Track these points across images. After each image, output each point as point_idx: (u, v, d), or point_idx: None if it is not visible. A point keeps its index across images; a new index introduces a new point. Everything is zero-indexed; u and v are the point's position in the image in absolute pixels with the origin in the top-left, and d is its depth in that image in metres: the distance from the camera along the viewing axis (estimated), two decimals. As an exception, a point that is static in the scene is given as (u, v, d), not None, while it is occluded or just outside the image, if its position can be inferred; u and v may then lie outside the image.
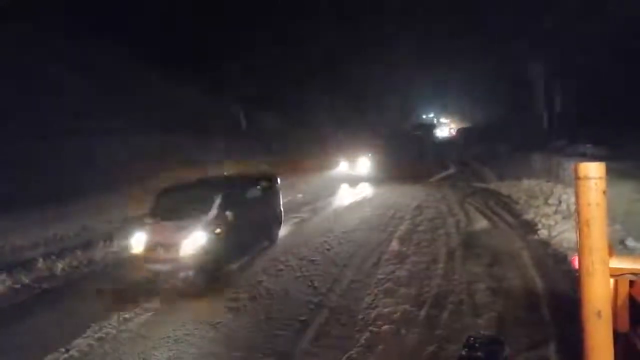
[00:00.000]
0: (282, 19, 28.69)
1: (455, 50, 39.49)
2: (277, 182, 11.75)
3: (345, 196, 18.43)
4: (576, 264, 1.70)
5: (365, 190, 19.53)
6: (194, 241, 7.99)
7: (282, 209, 11.76)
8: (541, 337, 5.42)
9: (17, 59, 14.26)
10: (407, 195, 17.25)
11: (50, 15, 15.94)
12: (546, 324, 5.81)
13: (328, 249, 10.25)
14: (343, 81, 34.52)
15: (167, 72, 20.80)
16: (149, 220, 8.86)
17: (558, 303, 6.29)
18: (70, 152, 14.12)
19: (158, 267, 8.05)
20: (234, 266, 9.18)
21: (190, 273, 7.90)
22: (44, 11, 15.65)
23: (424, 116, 61.71)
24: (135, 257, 8.42)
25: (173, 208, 8.86)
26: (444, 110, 62.13)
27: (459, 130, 47.98)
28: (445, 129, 54.52)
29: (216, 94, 24.04)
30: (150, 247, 8.13)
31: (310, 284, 8.08)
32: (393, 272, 8.31)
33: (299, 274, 8.69)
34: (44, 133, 13.50)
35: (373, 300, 7.07)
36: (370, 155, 25.55)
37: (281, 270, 8.94)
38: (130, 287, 8.26)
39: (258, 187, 10.65)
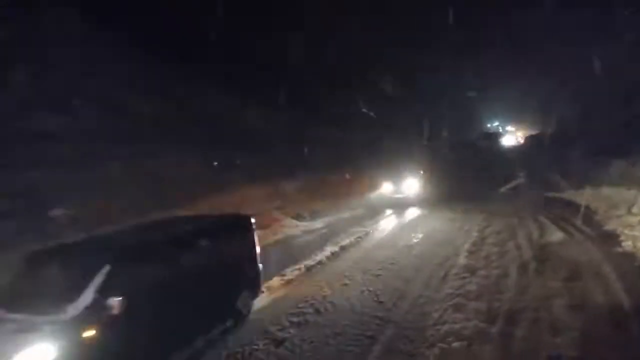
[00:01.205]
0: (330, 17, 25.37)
1: (521, 56, 37.96)
2: (252, 228, 7.87)
3: (409, 211, 18.08)
4: None
5: (429, 203, 18.95)
6: None
7: (260, 266, 7.90)
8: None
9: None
10: (475, 207, 16.68)
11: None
12: (638, 344, 5.33)
13: (392, 263, 10.12)
14: (402, 89, 32.14)
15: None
16: None
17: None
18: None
19: None
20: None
21: None
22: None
23: (489, 125, 59.63)
24: None
25: (30, 290, 5.31)
26: (510, 118, 59.72)
27: (527, 138, 45.71)
28: (512, 137, 52.20)
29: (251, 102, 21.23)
30: None
31: (375, 299, 7.98)
32: (462, 286, 8.03)
33: None
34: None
35: (441, 315, 6.86)
36: (423, 172, 21.53)
37: None
38: None
39: (213, 238, 6.90)
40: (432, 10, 31.80)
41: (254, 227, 7.92)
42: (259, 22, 21.69)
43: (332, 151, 23.45)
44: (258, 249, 7.93)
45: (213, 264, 6.77)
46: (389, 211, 18.13)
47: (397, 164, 21.34)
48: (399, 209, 18.24)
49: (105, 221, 10.62)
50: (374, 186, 21.75)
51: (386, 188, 20.92)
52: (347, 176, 22.93)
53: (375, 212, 18.07)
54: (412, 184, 20.42)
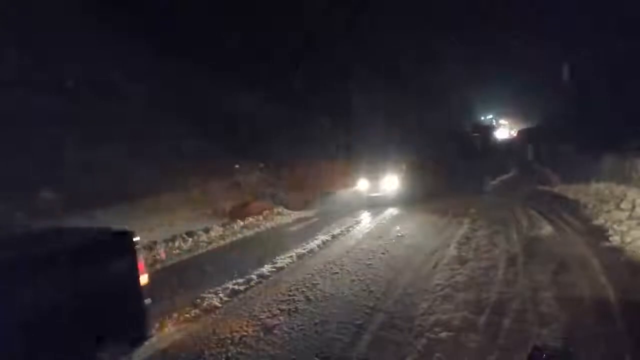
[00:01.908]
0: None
1: (515, 50, 38.03)
2: (133, 249, 5.38)
3: (390, 208, 18.08)
4: None
5: (414, 198, 18.57)
6: None
7: (146, 301, 5.43)
8: (617, 351, 5.06)
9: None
10: (465, 200, 16.74)
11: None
12: (622, 336, 5.41)
13: (383, 253, 10.20)
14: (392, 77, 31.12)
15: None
16: None
17: (635, 315, 5.84)
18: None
19: None
20: None
21: None
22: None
23: (483, 117, 59.79)
24: None
25: None
26: (504, 111, 59.89)
27: (519, 132, 45.98)
28: (505, 130, 52.46)
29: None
30: None
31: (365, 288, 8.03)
32: (452, 277, 8.09)
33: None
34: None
35: (430, 305, 6.90)
36: (407, 167, 19.68)
37: None
38: None
39: (47, 268, 4.37)
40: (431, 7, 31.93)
41: (136, 247, 5.46)
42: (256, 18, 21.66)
43: (323, 143, 23.30)
44: (143, 278, 5.45)
45: (41, 307, 4.25)
46: (369, 204, 17.63)
47: (379, 158, 19.36)
48: (377, 207, 17.19)
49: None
50: (354, 180, 19.99)
51: (362, 185, 19.07)
52: (334, 166, 22.70)
53: (361, 202, 18.07)
54: (392, 180, 18.64)
